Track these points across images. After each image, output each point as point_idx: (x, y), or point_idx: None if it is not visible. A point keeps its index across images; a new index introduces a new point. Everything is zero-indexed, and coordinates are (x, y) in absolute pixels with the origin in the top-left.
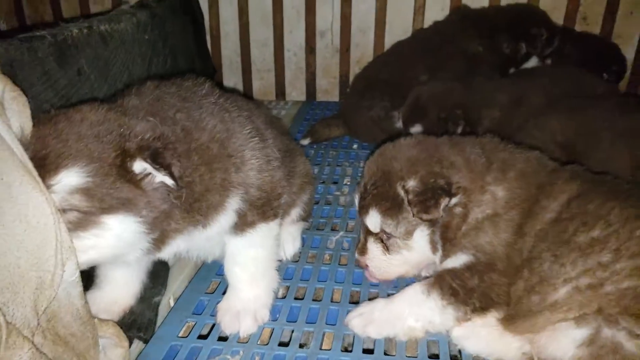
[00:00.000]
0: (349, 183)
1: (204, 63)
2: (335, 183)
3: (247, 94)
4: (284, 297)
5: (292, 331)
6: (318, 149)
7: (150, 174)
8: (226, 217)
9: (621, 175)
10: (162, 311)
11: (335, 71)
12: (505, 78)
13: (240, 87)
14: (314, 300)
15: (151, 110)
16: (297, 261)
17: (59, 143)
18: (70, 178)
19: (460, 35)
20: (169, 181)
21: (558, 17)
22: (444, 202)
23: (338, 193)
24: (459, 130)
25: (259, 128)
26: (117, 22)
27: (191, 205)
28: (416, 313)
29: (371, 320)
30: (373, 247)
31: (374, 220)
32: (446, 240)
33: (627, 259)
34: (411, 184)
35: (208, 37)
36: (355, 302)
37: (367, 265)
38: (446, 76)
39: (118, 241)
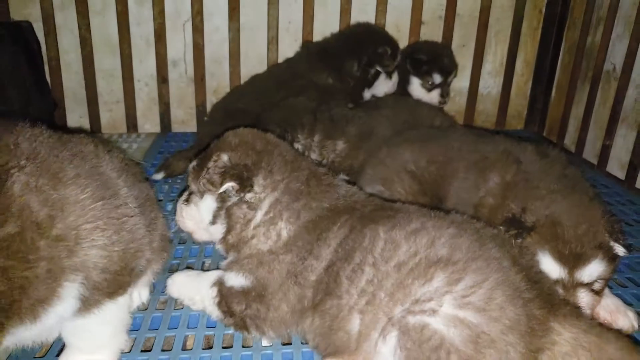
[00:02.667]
0: None
1: (43, 96)
2: None
3: (94, 127)
4: (129, 352)
5: None
6: (173, 183)
7: None
8: (63, 306)
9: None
10: None
11: (191, 101)
12: (350, 110)
13: (86, 120)
14: (163, 350)
15: None
16: (145, 309)
17: None
18: None
19: (309, 70)
20: None
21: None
22: (228, 184)
23: None
24: None
25: (107, 182)
26: None
27: (6, 309)
28: (199, 290)
29: (175, 281)
30: (183, 195)
31: (189, 170)
32: (229, 231)
33: (385, 264)
34: (223, 157)
35: (46, 68)
36: (209, 347)
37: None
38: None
39: None
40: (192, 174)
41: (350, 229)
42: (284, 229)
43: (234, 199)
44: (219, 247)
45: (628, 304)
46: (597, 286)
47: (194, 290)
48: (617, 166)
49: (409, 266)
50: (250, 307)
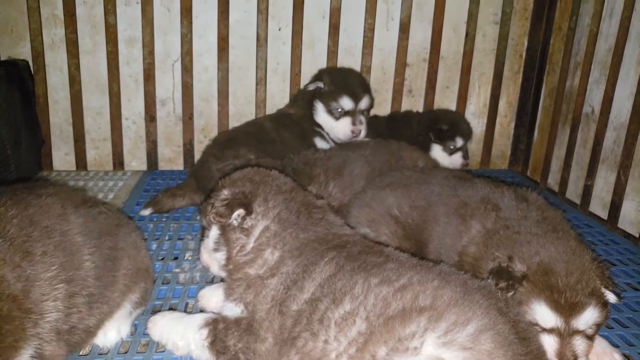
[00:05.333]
0: (189, 258)
1: (33, 133)
2: (175, 259)
3: (80, 164)
4: None
5: None
6: (158, 222)
7: None
8: None
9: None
10: None
11: (178, 139)
12: (313, 153)
13: (72, 157)
14: None
15: None
16: (125, 352)
17: None
18: None
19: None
20: None
21: (387, 90)
22: (237, 211)
23: (177, 270)
24: None
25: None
26: None
27: None
28: (184, 335)
29: (157, 324)
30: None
31: (199, 208)
32: (229, 258)
33: (377, 319)
34: (224, 192)
35: None
36: None
37: None
38: (287, 136)
39: None
40: (201, 211)
41: (338, 267)
42: (270, 255)
43: (234, 225)
44: (224, 275)
45: (615, 345)
46: (590, 332)
47: (178, 335)
48: (599, 206)
49: (396, 318)
50: (241, 340)
